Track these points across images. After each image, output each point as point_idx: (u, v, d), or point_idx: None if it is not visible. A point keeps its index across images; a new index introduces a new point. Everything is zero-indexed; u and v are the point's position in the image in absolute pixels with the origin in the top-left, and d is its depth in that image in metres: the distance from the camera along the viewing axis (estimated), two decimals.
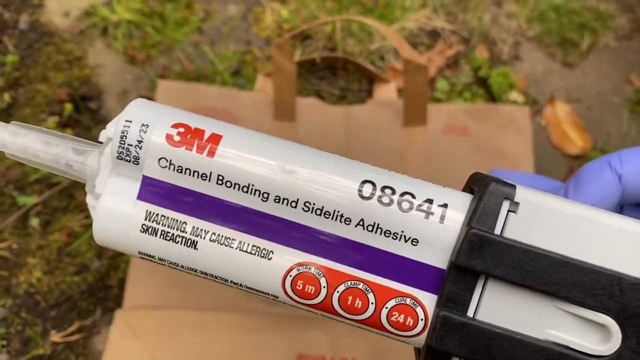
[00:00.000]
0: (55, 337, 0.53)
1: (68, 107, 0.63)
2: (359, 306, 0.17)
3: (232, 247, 0.17)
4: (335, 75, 0.67)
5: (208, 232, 0.17)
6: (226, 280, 0.17)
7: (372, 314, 0.17)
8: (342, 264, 0.17)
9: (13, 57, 0.67)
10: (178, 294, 0.51)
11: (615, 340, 0.15)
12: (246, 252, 0.17)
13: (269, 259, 0.17)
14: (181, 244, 0.17)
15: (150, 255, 0.17)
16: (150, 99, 0.65)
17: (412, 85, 0.52)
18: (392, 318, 0.16)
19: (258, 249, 0.17)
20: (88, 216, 0.58)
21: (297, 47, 0.68)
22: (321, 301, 0.17)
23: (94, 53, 0.69)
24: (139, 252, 0.17)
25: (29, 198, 0.59)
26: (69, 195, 0.59)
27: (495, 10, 0.74)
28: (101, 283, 0.56)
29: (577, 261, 0.15)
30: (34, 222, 0.58)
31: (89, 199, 0.18)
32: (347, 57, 0.65)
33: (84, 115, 0.63)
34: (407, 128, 0.57)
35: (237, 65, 0.68)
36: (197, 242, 0.17)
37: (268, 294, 0.17)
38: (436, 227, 0.16)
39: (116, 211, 0.17)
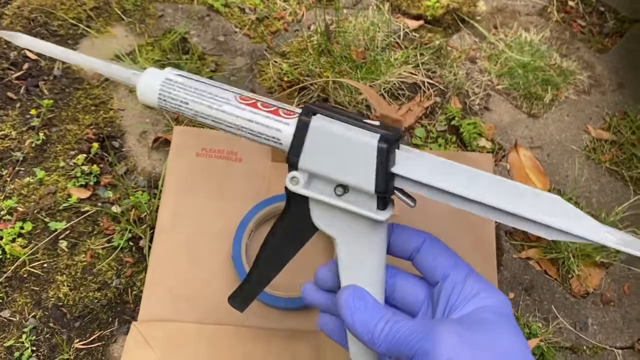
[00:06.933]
0: (78, 344, 0.61)
1: (95, 145, 0.72)
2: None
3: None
4: None
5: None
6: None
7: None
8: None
9: (48, 101, 0.76)
10: (184, 309, 0.58)
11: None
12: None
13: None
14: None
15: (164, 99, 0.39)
16: (167, 140, 0.74)
17: None
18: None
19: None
20: (109, 240, 0.67)
21: (295, 96, 0.78)
22: None
23: (118, 98, 0.78)
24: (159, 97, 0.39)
25: (59, 224, 0.67)
26: (93, 222, 0.68)
27: (469, 66, 0.84)
28: (119, 299, 0.64)
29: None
30: (63, 244, 0.66)
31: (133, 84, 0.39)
32: (338, 106, 0.75)
33: (108, 153, 0.73)
34: None
35: None
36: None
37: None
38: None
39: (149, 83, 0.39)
